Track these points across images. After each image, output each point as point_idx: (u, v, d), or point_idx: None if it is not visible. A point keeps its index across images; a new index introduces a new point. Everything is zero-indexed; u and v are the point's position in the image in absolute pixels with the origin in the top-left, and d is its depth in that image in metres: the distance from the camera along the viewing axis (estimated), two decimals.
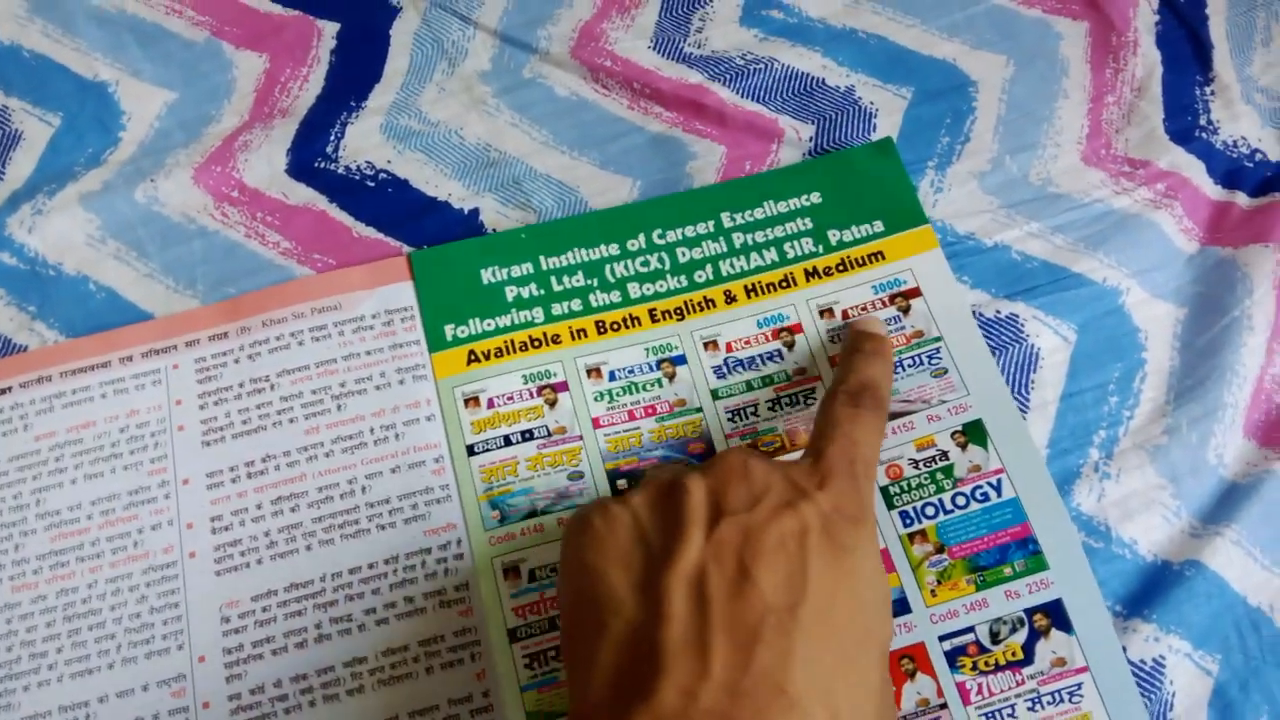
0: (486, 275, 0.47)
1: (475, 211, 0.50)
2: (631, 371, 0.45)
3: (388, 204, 0.50)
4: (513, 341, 0.46)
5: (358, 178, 0.51)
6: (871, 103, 0.52)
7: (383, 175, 0.51)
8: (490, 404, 0.44)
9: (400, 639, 0.40)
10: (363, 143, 0.52)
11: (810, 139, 0.51)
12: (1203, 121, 0.51)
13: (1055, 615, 0.40)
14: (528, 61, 0.54)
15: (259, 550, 0.42)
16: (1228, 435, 0.44)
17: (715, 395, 0.44)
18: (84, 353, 0.46)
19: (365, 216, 0.50)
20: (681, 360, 0.45)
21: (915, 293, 0.46)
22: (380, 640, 0.40)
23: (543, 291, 0.47)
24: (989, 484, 0.42)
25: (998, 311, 0.46)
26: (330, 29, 0.55)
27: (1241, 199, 0.49)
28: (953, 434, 0.43)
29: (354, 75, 0.53)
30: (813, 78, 0.52)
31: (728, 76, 0.52)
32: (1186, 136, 0.50)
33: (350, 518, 0.42)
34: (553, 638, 0.41)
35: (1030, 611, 0.40)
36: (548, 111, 0.53)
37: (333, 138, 0.52)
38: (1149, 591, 0.41)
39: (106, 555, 0.42)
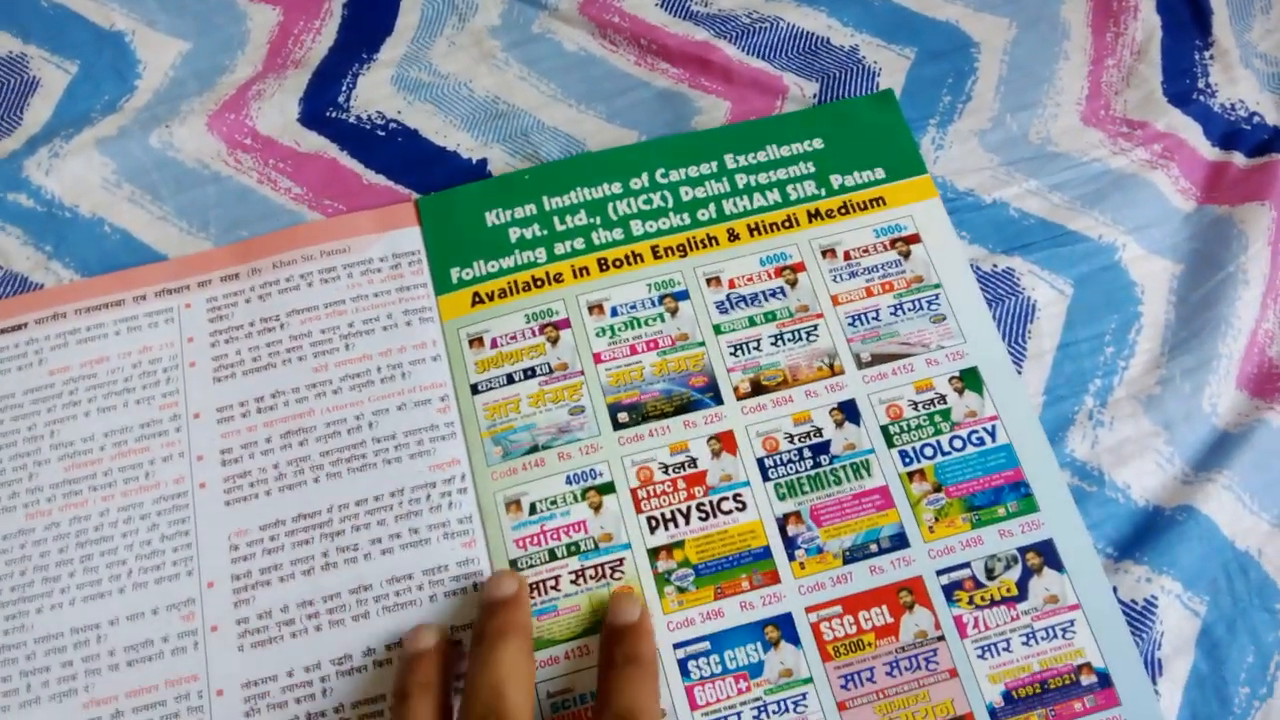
0: (491, 218, 0.48)
1: (484, 162, 0.51)
2: (634, 307, 0.46)
3: (397, 153, 0.51)
4: (516, 282, 0.46)
5: (368, 127, 0.52)
6: (875, 62, 0.52)
7: (393, 125, 0.52)
8: (494, 344, 0.45)
9: (405, 568, 0.41)
10: (374, 93, 0.52)
11: (814, 96, 0.51)
12: (1201, 85, 0.52)
13: (1047, 554, 0.41)
14: (537, 17, 0.55)
15: (268, 482, 0.43)
16: (1221, 385, 0.45)
17: (717, 330, 0.45)
18: (98, 291, 0.47)
19: (375, 164, 0.50)
20: (684, 295, 0.46)
21: (915, 239, 0.47)
22: (385, 569, 0.41)
23: (545, 232, 0.48)
24: (984, 429, 0.43)
25: (994, 266, 0.47)
26: None
27: (1239, 159, 0.50)
28: (950, 379, 0.44)
29: (365, 28, 0.54)
30: (817, 37, 0.53)
31: (733, 34, 0.53)
32: (1184, 99, 0.51)
33: (357, 452, 0.43)
34: (551, 568, 0.41)
35: (1023, 550, 0.41)
36: (556, 66, 0.53)
37: (344, 88, 0.52)
38: (1141, 535, 0.42)
39: (119, 485, 0.43)
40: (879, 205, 0.48)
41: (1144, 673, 0.39)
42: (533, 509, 0.42)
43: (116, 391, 0.45)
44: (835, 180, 0.49)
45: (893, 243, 0.47)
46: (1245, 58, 0.52)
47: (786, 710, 0.39)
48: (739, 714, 0.39)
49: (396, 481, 0.43)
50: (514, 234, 0.48)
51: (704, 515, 0.42)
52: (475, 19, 0.55)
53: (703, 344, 0.45)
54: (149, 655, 0.40)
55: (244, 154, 0.51)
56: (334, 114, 0.52)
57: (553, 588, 0.41)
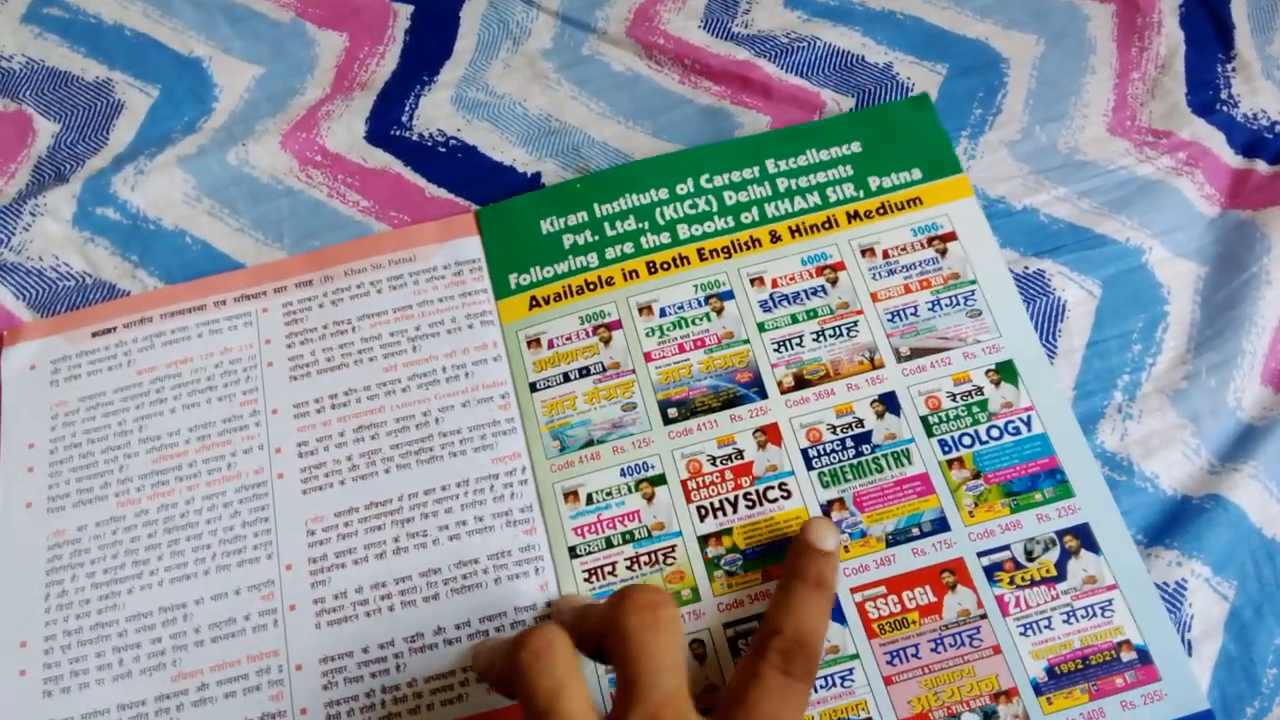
0: (545, 226, 0.51)
1: (538, 175, 0.54)
2: (681, 308, 0.48)
3: (457, 168, 0.54)
4: (570, 286, 0.49)
5: (430, 144, 0.55)
6: (908, 78, 0.55)
7: (453, 142, 0.55)
8: (550, 345, 0.48)
9: (471, 553, 0.44)
10: (434, 112, 0.56)
11: (850, 110, 0.54)
12: (1224, 96, 0.54)
13: (1084, 537, 0.43)
14: (586, 40, 0.58)
15: (341, 472, 0.46)
16: (1246, 381, 0.47)
17: (761, 328, 0.48)
18: (181, 297, 0.50)
19: (437, 179, 0.54)
20: (729, 295, 0.49)
21: (951, 236, 0.49)
22: (452, 553, 0.44)
23: (597, 237, 0.50)
24: (1020, 419, 0.45)
25: (1026, 268, 0.49)
26: (405, 10, 0.59)
27: (1261, 166, 0.52)
28: (987, 372, 0.46)
29: (426, 52, 0.58)
30: (853, 55, 0.56)
31: (773, 53, 0.56)
32: (1208, 109, 0.53)
33: (425, 445, 0.46)
34: (608, 554, 0.44)
35: (1061, 533, 0.43)
36: (605, 86, 0.56)
37: (407, 108, 0.56)
38: (1170, 522, 0.44)
39: (203, 475, 0.46)
40: (916, 205, 0.50)
41: (1182, 649, 0.41)
42: (589, 499, 0.45)
43: (200, 389, 0.48)
44: (873, 182, 0.51)
45: (929, 241, 0.49)
46: (1267, 70, 0.54)
47: (833, 685, 0.41)
48: None
49: (462, 473, 0.45)
50: (567, 240, 0.50)
51: (750, 504, 0.44)
52: (528, 42, 0.58)
53: (747, 341, 0.47)
54: (232, 632, 0.43)
55: (315, 170, 0.54)
56: (398, 132, 0.55)
57: (610, 573, 0.44)
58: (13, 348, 0.49)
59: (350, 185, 0.54)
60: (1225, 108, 0.53)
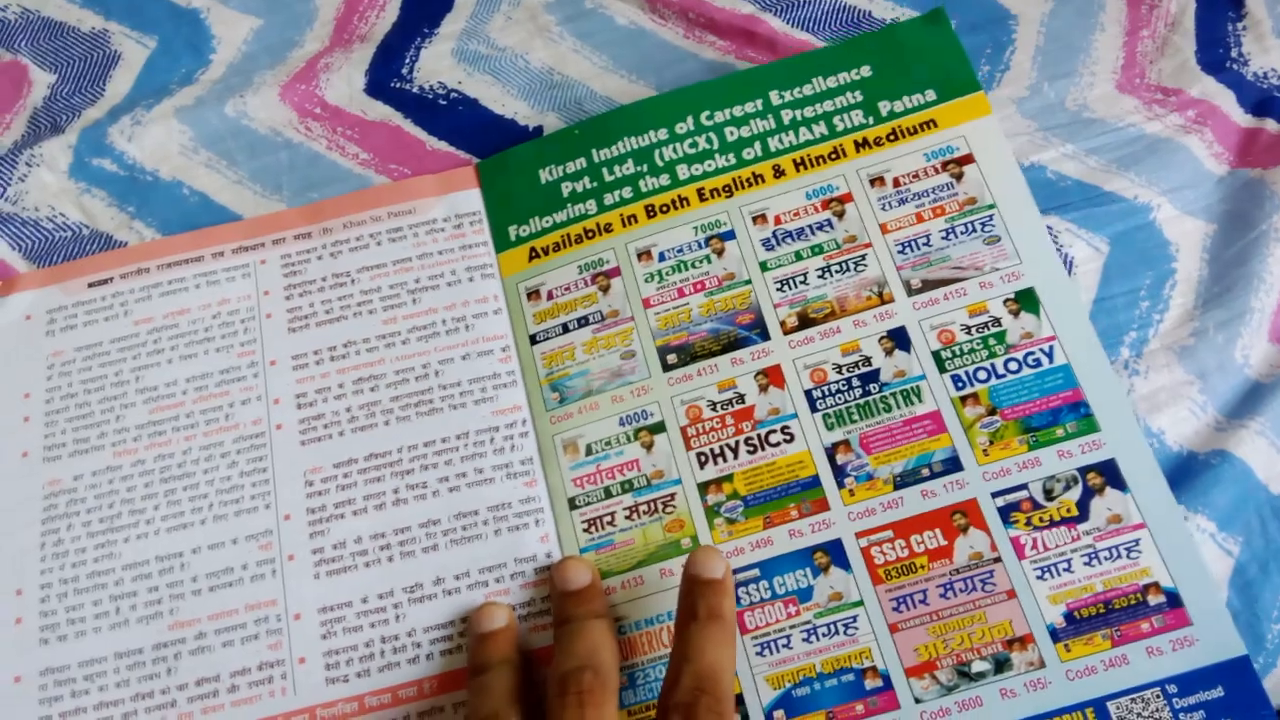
0: (544, 175, 0.50)
1: (539, 129, 0.53)
2: (680, 251, 0.47)
3: (459, 120, 0.53)
4: (569, 235, 0.48)
5: (430, 97, 0.54)
6: None
7: (454, 95, 0.54)
8: (549, 295, 0.47)
9: (470, 505, 0.44)
10: (435, 65, 0.55)
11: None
12: (1234, 54, 0.53)
13: (1109, 474, 0.41)
14: None
15: (341, 424, 0.45)
16: (1254, 338, 0.46)
17: (764, 267, 0.47)
18: (179, 248, 0.50)
19: (438, 131, 0.53)
20: (730, 235, 0.48)
21: (968, 159, 0.48)
22: (452, 505, 0.44)
23: (595, 184, 0.49)
24: (1041, 350, 0.44)
25: None
26: None
27: (1271, 125, 0.51)
28: (1005, 301, 0.45)
29: (426, 4, 0.57)
30: (859, 9, 0.55)
31: (778, 8, 0.55)
32: (1217, 67, 0.53)
33: (425, 398, 0.46)
34: (607, 504, 0.43)
35: (1084, 470, 0.42)
36: (608, 39, 0.56)
37: (407, 60, 0.55)
38: (1176, 478, 0.44)
39: (200, 426, 0.46)
40: (930, 128, 0.48)
41: (1216, 592, 0.40)
42: (588, 450, 0.44)
43: (197, 340, 0.47)
44: (884, 107, 0.49)
45: (944, 165, 0.48)
46: (1278, 28, 0.54)
47: (836, 633, 0.40)
48: (788, 637, 0.41)
49: (462, 425, 0.45)
50: (565, 189, 0.50)
51: (752, 449, 0.43)
52: None
53: (749, 282, 0.46)
54: (229, 581, 0.43)
55: (314, 122, 0.54)
56: (398, 85, 0.54)
57: (609, 523, 0.43)
58: (7, 298, 0.49)
59: (350, 138, 0.53)
60: (1235, 66, 0.53)
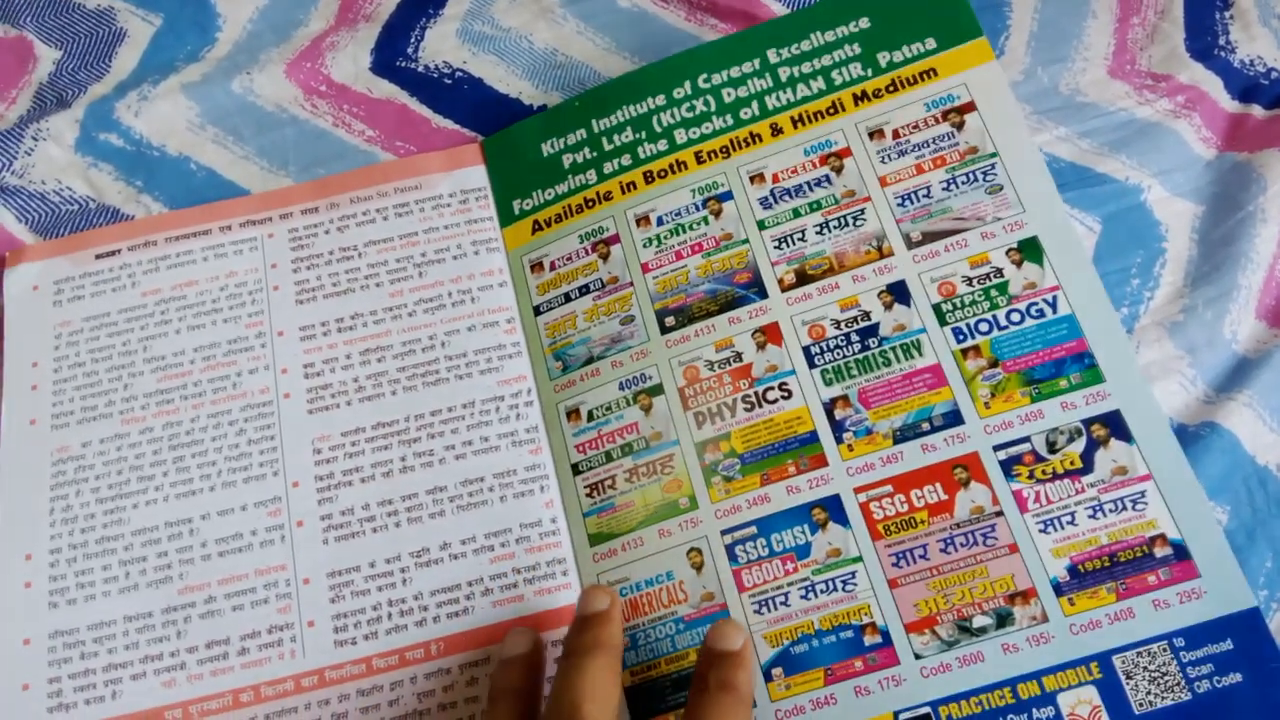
0: (546, 148, 0.51)
1: (544, 107, 0.54)
2: (678, 214, 0.48)
3: (464, 99, 0.54)
4: (570, 206, 0.49)
5: (436, 76, 0.55)
6: None
7: (459, 74, 0.55)
8: (552, 266, 0.48)
9: (477, 472, 0.44)
10: (440, 45, 0.56)
11: None
12: (1221, 42, 0.54)
13: (1114, 426, 0.41)
14: None
15: (348, 393, 0.46)
16: (1241, 314, 0.47)
17: (761, 225, 0.47)
18: (187, 221, 0.50)
19: (443, 110, 0.54)
20: (728, 196, 0.48)
21: (969, 107, 0.47)
22: (459, 472, 0.44)
23: (595, 154, 0.50)
24: (1044, 301, 0.44)
25: None
26: None
27: (1258, 111, 0.52)
28: (1008, 251, 0.45)
29: None
30: None
31: None
32: (1206, 54, 0.54)
33: (431, 368, 0.46)
34: (608, 469, 0.44)
35: (1088, 422, 0.41)
36: (610, 22, 0.57)
37: (412, 40, 0.56)
38: None
39: (208, 394, 0.46)
40: (930, 77, 0.48)
41: (1225, 543, 0.39)
42: (590, 416, 0.45)
43: (205, 311, 0.48)
44: (883, 58, 0.49)
45: (945, 114, 0.47)
46: (1264, 18, 0.55)
47: (834, 589, 0.41)
48: (786, 594, 0.41)
49: (468, 395, 0.46)
50: (567, 160, 0.50)
51: (749, 406, 0.44)
52: None
53: (746, 241, 0.47)
54: (239, 547, 0.43)
55: (320, 100, 0.54)
56: (403, 64, 0.55)
57: (609, 487, 0.44)
58: (15, 268, 0.49)
59: (356, 115, 0.54)
60: (1223, 53, 0.54)
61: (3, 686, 0.41)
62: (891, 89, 0.49)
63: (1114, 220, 0.50)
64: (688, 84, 0.51)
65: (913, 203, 0.46)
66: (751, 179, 0.48)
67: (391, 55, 0.55)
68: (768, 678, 0.40)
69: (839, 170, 0.47)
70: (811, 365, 0.44)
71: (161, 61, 0.55)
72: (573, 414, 0.45)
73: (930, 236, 0.45)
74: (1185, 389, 0.46)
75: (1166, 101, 0.52)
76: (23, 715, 0.40)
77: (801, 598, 0.41)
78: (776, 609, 0.41)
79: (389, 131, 0.53)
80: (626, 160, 0.50)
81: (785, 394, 0.44)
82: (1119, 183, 0.50)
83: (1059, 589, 0.39)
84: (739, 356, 0.45)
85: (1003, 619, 0.40)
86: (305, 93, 0.54)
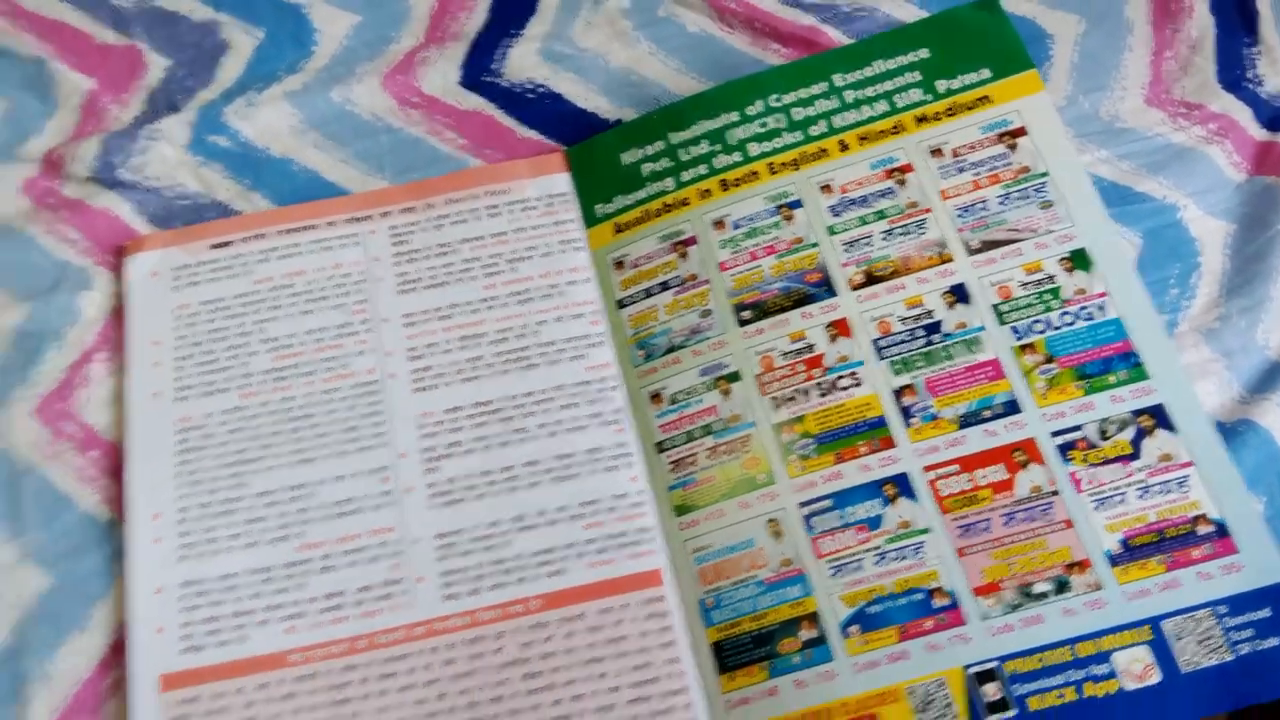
0: (626, 158, 0.55)
1: (619, 121, 0.58)
2: (752, 219, 0.52)
3: (546, 112, 0.58)
4: (649, 210, 0.53)
5: (519, 91, 0.59)
6: None
7: (541, 89, 0.59)
8: (634, 264, 0.52)
9: (568, 448, 0.48)
10: (523, 63, 0.60)
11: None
12: (1250, 75, 0.59)
13: (1159, 418, 0.45)
14: (662, 2, 0.62)
15: (448, 375, 0.50)
16: (1274, 323, 0.51)
17: (831, 231, 0.51)
18: (294, 217, 0.54)
19: (527, 121, 0.58)
20: (798, 205, 0.52)
21: (1021, 131, 0.52)
22: (551, 448, 0.48)
23: (672, 163, 0.54)
24: (1094, 305, 0.48)
25: None
26: None
27: None
28: (1060, 260, 0.49)
29: (512, 8, 0.62)
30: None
31: (837, 20, 0.61)
32: (1236, 86, 0.58)
33: (524, 354, 0.50)
34: (689, 447, 0.48)
35: (1136, 413, 0.45)
36: (680, 45, 0.61)
37: (497, 57, 0.60)
38: None
39: (319, 373, 0.50)
40: (985, 104, 0.53)
41: (1262, 523, 0.43)
42: (672, 400, 0.49)
43: (314, 299, 0.52)
44: (941, 85, 0.54)
45: (999, 137, 0.52)
46: None
47: (905, 556, 0.44)
48: (860, 561, 0.45)
49: (558, 379, 0.49)
50: (646, 169, 0.54)
51: (822, 392, 0.48)
52: (608, 2, 0.62)
53: (816, 245, 0.51)
54: (353, 510, 0.47)
55: (413, 109, 0.58)
56: (489, 79, 0.59)
57: (691, 464, 0.47)
58: (135, 256, 0.53)
59: (446, 124, 0.58)
60: (1251, 85, 0.58)
61: (139, 630, 0.44)
62: (950, 113, 0.53)
63: (1153, 235, 0.53)
64: (760, 102, 0.55)
65: (971, 214, 0.50)
66: (821, 189, 0.52)
67: (478, 71, 0.59)
68: (845, 634, 0.43)
69: (902, 183, 0.52)
70: (880, 357, 0.48)
71: (264, 71, 0.60)
72: (655, 397, 0.49)
73: (988, 245, 0.50)
74: (1222, 390, 0.50)
75: (1199, 128, 0.57)
76: (158, 655, 0.44)
77: (875, 564, 0.44)
78: (851, 573, 0.44)
79: (477, 140, 0.57)
80: (703, 170, 0.54)
81: (855, 382, 0.48)
82: (1157, 201, 0.54)
83: (1114, 560, 0.43)
84: (811, 348, 0.48)
85: (1061, 585, 0.43)
86: (399, 103, 0.58)
